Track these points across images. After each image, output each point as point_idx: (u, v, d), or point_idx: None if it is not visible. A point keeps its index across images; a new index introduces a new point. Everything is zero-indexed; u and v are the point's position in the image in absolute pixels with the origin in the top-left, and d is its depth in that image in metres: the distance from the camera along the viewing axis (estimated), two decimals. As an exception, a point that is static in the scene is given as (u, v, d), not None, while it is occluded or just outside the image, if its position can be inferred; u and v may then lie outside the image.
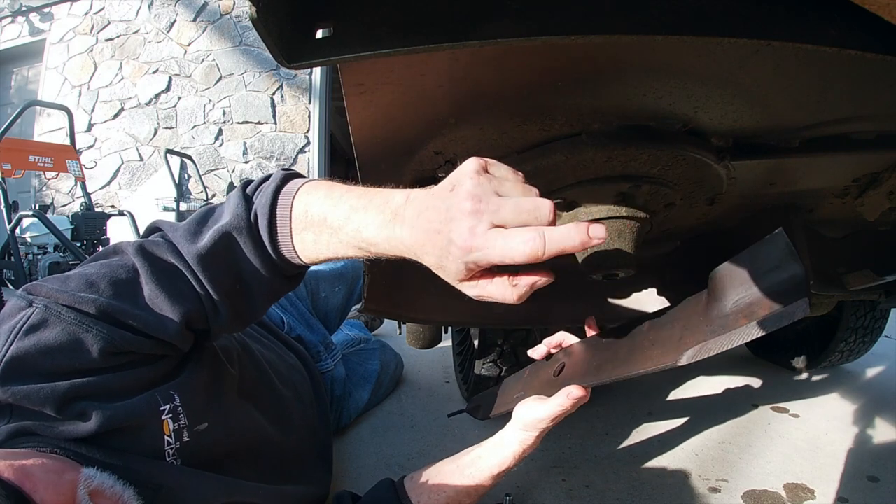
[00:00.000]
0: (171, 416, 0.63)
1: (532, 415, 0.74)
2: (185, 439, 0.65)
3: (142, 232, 0.68)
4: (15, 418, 0.55)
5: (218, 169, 4.35)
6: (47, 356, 0.54)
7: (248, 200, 0.60)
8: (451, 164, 0.71)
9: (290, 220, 0.57)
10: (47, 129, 4.75)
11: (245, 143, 4.28)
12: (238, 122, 4.29)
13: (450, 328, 1.64)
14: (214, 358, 0.74)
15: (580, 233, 0.43)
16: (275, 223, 0.58)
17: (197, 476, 0.65)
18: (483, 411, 1.02)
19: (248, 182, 0.63)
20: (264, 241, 0.59)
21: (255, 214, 0.58)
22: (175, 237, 0.61)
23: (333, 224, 0.53)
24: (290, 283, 0.65)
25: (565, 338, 0.82)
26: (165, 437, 0.62)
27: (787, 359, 1.74)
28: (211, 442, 0.69)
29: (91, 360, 0.56)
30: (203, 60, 4.35)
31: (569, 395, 0.70)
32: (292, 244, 0.58)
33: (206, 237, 0.60)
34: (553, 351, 0.83)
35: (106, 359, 0.56)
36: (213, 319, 0.62)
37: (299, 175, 0.61)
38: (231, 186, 4.32)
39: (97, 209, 3.27)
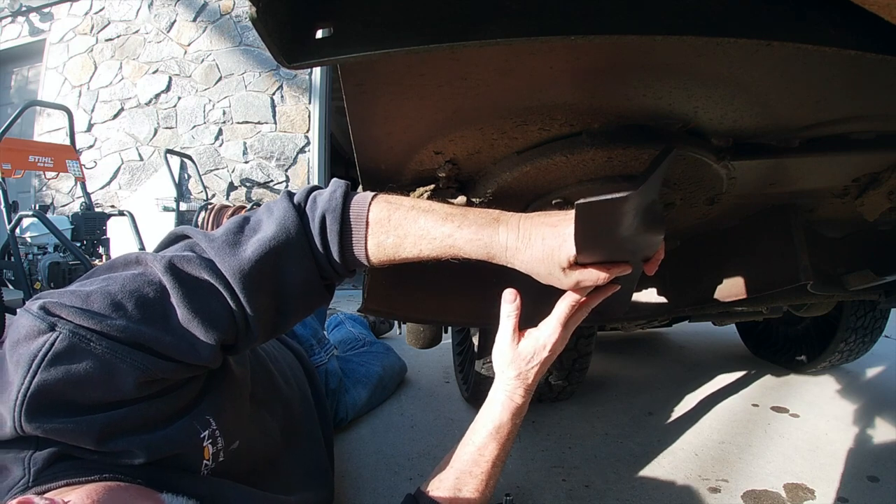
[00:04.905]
0: (210, 441, 0.62)
1: (497, 354, 0.71)
2: (221, 459, 0.64)
3: (164, 238, 0.64)
4: (43, 445, 0.51)
5: (218, 169, 4.34)
6: (77, 388, 0.50)
7: (298, 208, 0.61)
8: (452, 164, 0.71)
9: (367, 224, 0.61)
10: (47, 129, 4.74)
11: (245, 143, 4.28)
12: (238, 122, 4.28)
13: (450, 328, 1.64)
14: (232, 368, 0.72)
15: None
16: (348, 226, 0.61)
17: (233, 486, 0.64)
18: None
19: (291, 192, 0.64)
20: (330, 243, 0.60)
21: (321, 218, 0.60)
22: (211, 250, 0.58)
23: (424, 227, 0.60)
24: (329, 294, 0.66)
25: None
26: (204, 461, 0.62)
27: (787, 359, 1.75)
28: (240, 458, 0.68)
29: (125, 391, 0.52)
30: (203, 60, 4.35)
31: (504, 299, 0.69)
32: (365, 246, 0.61)
33: (249, 251, 0.57)
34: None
35: (140, 389, 0.53)
36: (244, 337, 0.60)
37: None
38: (231, 186, 4.32)
39: (97, 209, 3.26)
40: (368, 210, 0.61)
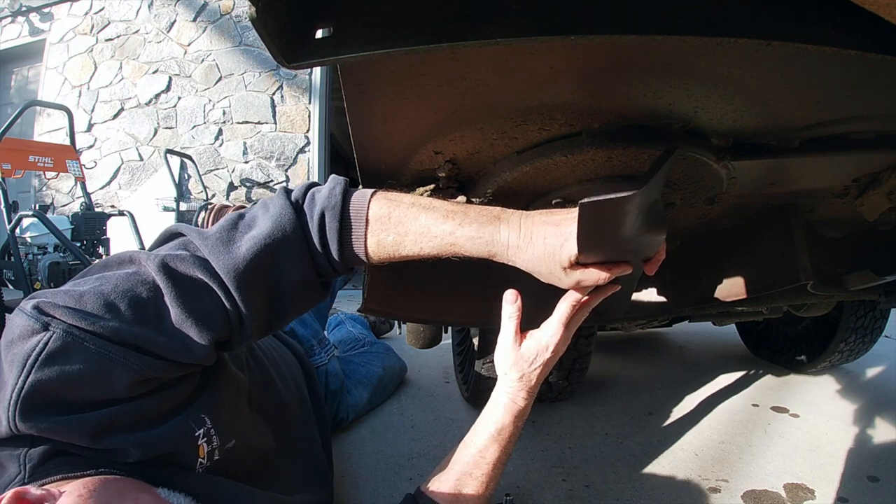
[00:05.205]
0: (205, 439, 0.62)
1: (499, 356, 0.70)
2: (216, 458, 0.64)
3: (159, 236, 0.64)
4: (38, 442, 0.52)
5: (218, 169, 4.34)
6: (71, 388, 0.50)
7: (295, 206, 0.61)
8: (452, 164, 0.71)
9: (367, 222, 0.60)
10: (47, 129, 4.74)
11: (245, 143, 4.27)
12: (238, 122, 4.28)
13: (450, 328, 1.64)
14: (228, 367, 0.72)
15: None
16: (347, 223, 0.60)
17: (231, 484, 0.64)
18: None
19: (288, 189, 0.63)
20: (329, 241, 0.60)
21: (321, 216, 0.60)
22: (205, 248, 0.57)
23: (425, 225, 0.59)
24: (325, 292, 0.66)
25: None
26: (199, 459, 0.62)
27: (787, 359, 1.75)
28: (236, 458, 0.68)
29: (118, 390, 0.52)
30: (203, 60, 4.35)
31: (504, 300, 0.69)
32: (365, 244, 0.61)
33: (244, 248, 0.57)
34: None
35: (133, 388, 0.53)
36: (238, 335, 0.60)
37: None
38: (231, 186, 4.32)
39: (97, 209, 3.26)
40: (368, 207, 0.61)
